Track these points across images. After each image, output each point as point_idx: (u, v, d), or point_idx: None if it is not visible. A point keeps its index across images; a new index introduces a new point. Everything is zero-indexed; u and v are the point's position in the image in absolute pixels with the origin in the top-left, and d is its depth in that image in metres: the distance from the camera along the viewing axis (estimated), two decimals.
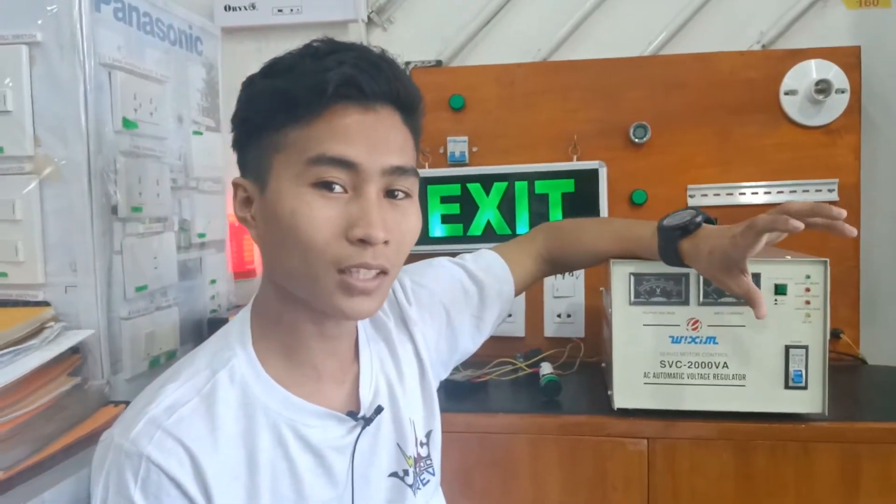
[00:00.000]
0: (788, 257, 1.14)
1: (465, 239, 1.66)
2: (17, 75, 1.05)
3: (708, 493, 1.17)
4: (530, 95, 1.67)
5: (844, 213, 0.82)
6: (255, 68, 0.75)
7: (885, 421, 1.15)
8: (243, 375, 0.73)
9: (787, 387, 1.14)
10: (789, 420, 1.15)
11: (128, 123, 1.14)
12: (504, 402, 1.33)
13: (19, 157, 1.06)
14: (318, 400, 0.76)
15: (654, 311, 1.17)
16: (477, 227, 1.66)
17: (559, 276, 1.63)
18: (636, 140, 1.62)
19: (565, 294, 1.64)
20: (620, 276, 1.17)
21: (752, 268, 1.11)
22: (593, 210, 1.60)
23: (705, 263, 0.92)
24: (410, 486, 0.83)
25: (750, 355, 1.15)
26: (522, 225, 1.63)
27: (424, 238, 1.65)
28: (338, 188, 0.68)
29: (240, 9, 1.77)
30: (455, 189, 1.66)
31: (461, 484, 1.22)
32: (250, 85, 0.74)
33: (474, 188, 1.65)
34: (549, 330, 1.66)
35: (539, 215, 1.63)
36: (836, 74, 1.55)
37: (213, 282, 1.45)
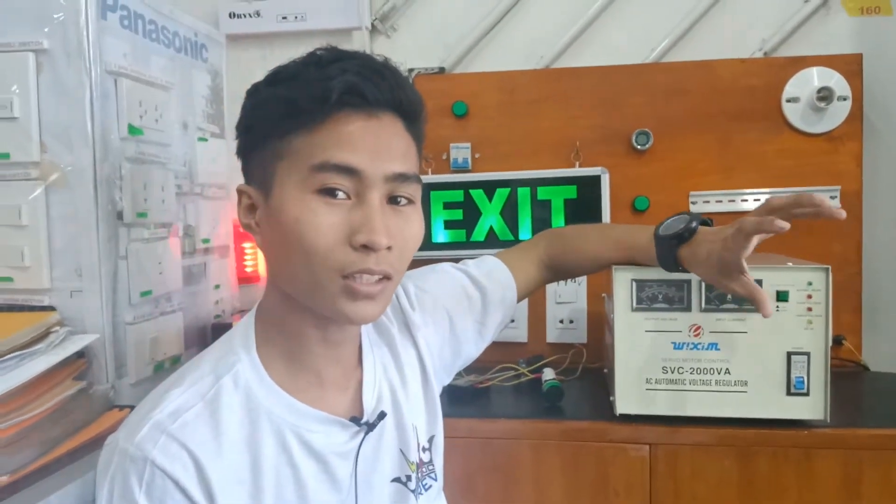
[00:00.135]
0: (790, 264, 1.14)
1: (468, 245, 1.67)
2: (24, 82, 1.06)
3: (710, 500, 1.17)
4: (533, 102, 1.68)
5: (827, 199, 0.82)
6: (259, 75, 0.76)
7: (887, 427, 1.15)
8: (247, 381, 0.74)
9: (788, 393, 1.14)
10: (791, 426, 1.15)
11: (133, 130, 1.15)
12: (506, 407, 1.34)
13: (25, 163, 1.07)
14: (322, 405, 0.77)
15: (656, 318, 1.17)
16: (480, 233, 1.66)
17: (561, 282, 1.64)
18: (638, 147, 1.62)
19: (568, 300, 1.65)
20: (622, 282, 1.18)
21: (753, 274, 1.11)
22: (595, 216, 1.60)
23: (704, 268, 0.93)
24: (413, 491, 0.84)
25: (752, 362, 1.15)
26: (525, 231, 1.64)
27: (427, 244, 1.66)
28: (341, 195, 0.69)
29: (244, 16, 1.78)
30: (458, 195, 1.67)
31: (464, 489, 1.22)
32: (255, 93, 0.75)
33: (477, 194, 1.66)
34: (552, 336, 1.66)
35: (541, 221, 1.63)
36: (837, 82, 1.55)
37: (216, 287, 1.45)
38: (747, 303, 1.13)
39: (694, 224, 0.96)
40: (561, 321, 1.65)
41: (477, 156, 1.70)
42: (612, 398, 1.22)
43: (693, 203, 1.61)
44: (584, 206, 1.61)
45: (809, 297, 1.13)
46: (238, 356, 0.75)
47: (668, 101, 1.63)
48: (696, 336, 1.16)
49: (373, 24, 1.80)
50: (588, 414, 1.26)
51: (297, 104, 0.69)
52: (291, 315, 0.75)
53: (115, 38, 1.13)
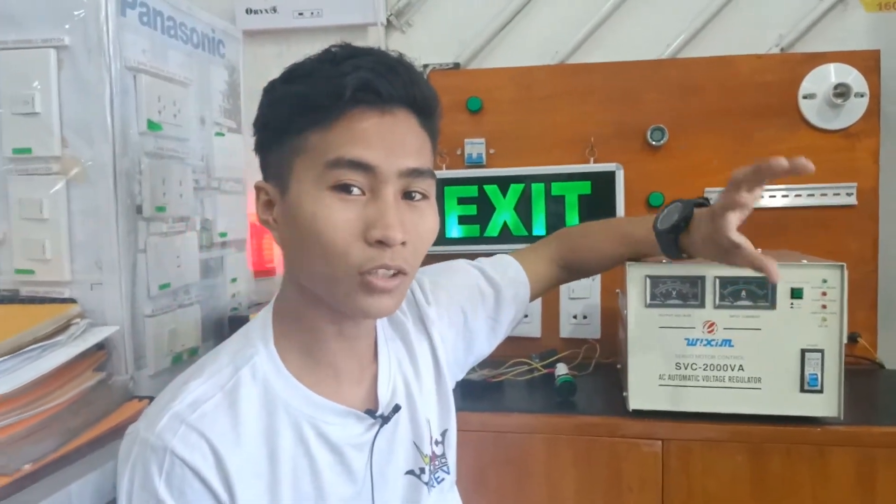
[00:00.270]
0: (805, 261, 1.14)
1: (482, 240, 1.67)
2: (46, 78, 1.08)
3: (722, 495, 1.17)
4: (547, 98, 1.68)
5: (784, 160, 0.80)
6: (275, 71, 0.77)
7: None
8: (265, 373, 0.75)
9: (802, 390, 1.14)
10: (805, 423, 1.15)
11: (152, 125, 1.16)
12: (519, 401, 1.34)
13: (47, 157, 1.09)
14: (337, 398, 0.78)
15: (669, 314, 1.18)
16: (493, 229, 1.67)
17: None
18: (653, 143, 1.62)
19: (581, 295, 1.65)
20: (636, 278, 1.18)
21: None
22: (610, 212, 1.60)
23: (704, 250, 0.94)
24: (426, 483, 0.85)
25: (765, 359, 1.15)
26: (539, 227, 1.64)
27: (441, 239, 1.67)
28: (356, 190, 0.70)
29: (261, 12, 1.79)
30: (472, 190, 1.67)
31: (476, 482, 1.23)
32: (271, 90, 0.76)
33: (491, 190, 1.66)
34: (565, 331, 1.67)
35: (555, 217, 1.63)
36: (855, 78, 1.54)
37: (233, 280, 1.47)
38: (762, 300, 1.14)
39: (688, 211, 0.96)
40: (574, 316, 1.66)
41: (491, 151, 1.70)
42: (625, 394, 1.22)
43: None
44: (598, 202, 1.61)
45: (824, 294, 1.13)
46: (256, 348, 0.76)
47: (684, 97, 1.62)
48: (709, 332, 1.16)
49: (388, 20, 1.81)
50: (601, 409, 1.26)
51: (311, 101, 0.70)
52: (308, 309, 0.76)
53: (135, 35, 1.14)
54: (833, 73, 1.55)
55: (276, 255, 1.74)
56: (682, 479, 1.18)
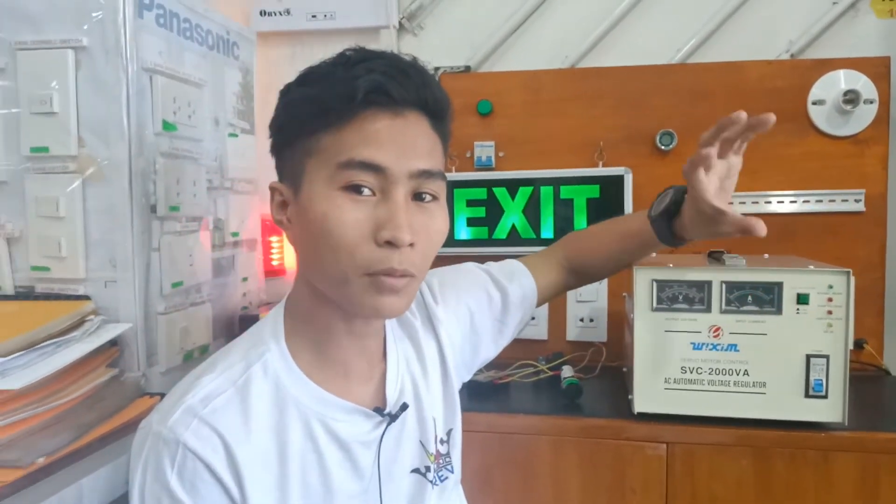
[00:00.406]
0: (812, 267, 1.15)
1: (490, 242, 1.68)
2: (64, 78, 1.10)
3: (726, 499, 1.17)
4: (557, 102, 1.69)
5: (744, 114, 0.82)
6: (288, 72, 0.78)
7: None
8: (276, 369, 0.76)
9: (807, 395, 1.14)
10: (809, 428, 1.15)
11: (167, 126, 1.18)
12: (525, 403, 1.35)
13: (64, 156, 1.11)
14: (347, 396, 0.79)
15: (676, 318, 1.18)
16: (502, 231, 1.68)
17: None
18: (662, 147, 1.63)
19: (588, 299, 1.66)
20: (643, 282, 1.19)
21: (773, 276, 1.12)
22: (618, 216, 1.60)
23: (695, 228, 0.94)
24: (431, 482, 0.86)
25: (771, 364, 1.15)
26: (547, 230, 1.65)
27: (450, 241, 1.68)
28: (367, 191, 0.71)
29: (275, 14, 1.81)
30: (481, 193, 1.68)
31: (482, 482, 1.24)
32: (287, 93, 0.77)
33: (500, 192, 1.67)
34: (572, 334, 1.68)
35: (564, 220, 1.64)
36: (864, 84, 1.54)
37: (244, 279, 1.49)
38: (768, 305, 1.15)
39: (678, 195, 0.97)
40: (581, 319, 1.67)
41: (501, 154, 1.71)
42: (630, 396, 1.23)
43: None
44: (607, 205, 1.62)
45: (830, 300, 1.13)
46: (267, 346, 0.78)
47: (693, 102, 1.63)
48: (715, 337, 1.17)
49: (400, 23, 1.82)
50: (606, 412, 1.27)
51: (324, 103, 0.72)
52: (319, 308, 0.78)
53: (152, 36, 1.16)
54: (843, 80, 1.56)
55: (287, 256, 1.76)
56: (686, 482, 1.18)
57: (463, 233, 1.70)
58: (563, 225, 1.64)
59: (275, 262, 1.72)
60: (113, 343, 1.10)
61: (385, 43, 1.80)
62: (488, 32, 1.78)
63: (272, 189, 0.79)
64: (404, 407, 0.83)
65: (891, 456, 1.13)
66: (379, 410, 0.80)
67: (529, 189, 1.66)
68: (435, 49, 1.81)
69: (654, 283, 1.18)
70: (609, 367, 1.53)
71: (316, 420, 0.76)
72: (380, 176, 0.71)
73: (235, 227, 1.43)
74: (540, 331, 1.68)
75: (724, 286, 1.16)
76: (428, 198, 0.75)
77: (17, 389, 0.89)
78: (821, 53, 1.64)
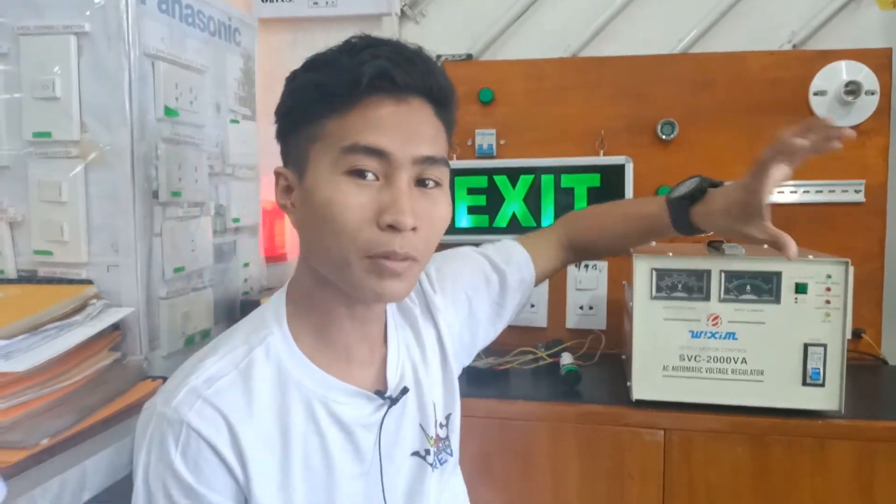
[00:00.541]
0: (811, 257, 1.15)
1: (491, 230, 1.68)
2: (66, 64, 1.10)
3: (723, 485, 1.18)
4: (559, 90, 1.69)
5: (834, 119, 0.82)
6: (289, 59, 0.79)
7: None
8: (278, 352, 0.77)
9: (804, 384, 1.15)
10: (806, 416, 1.16)
11: (169, 111, 1.18)
12: (524, 389, 1.36)
13: (66, 141, 1.11)
14: (348, 379, 0.80)
15: (674, 306, 1.19)
16: (502, 219, 1.68)
17: (582, 268, 1.65)
18: (663, 137, 1.63)
19: (588, 287, 1.66)
20: (642, 270, 1.19)
21: (773, 265, 1.13)
22: None
23: (723, 221, 0.94)
24: (431, 464, 0.87)
25: (768, 352, 1.16)
26: (547, 218, 1.65)
27: (450, 229, 1.66)
28: (370, 176, 0.72)
29: (277, 0, 1.81)
30: (482, 181, 1.68)
31: (481, 467, 1.25)
32: (293, 79, 0.78)
33: (501, 181, 1.68)
34: (571, 321, 1.68)
35: (564, 209, 1.64)
36: (866, 76, 1.54)
37: (245, 265, 1.49)
38: (766, 294, 1.15)
39: (705, 184, 0.97)
40: (581, 307, 1.67)
41: (502, 142, 1.72)
42: (628, 383, 1.23)
43: None
44: (607, 194, 1.62)
45: (828, 289, 1.14)
46: (270, 329, 0.78)
47: (695, 92, 1.63)
48: (713, 325, 1.18)
49: (402, 10, 1.82)
50: (605, 398, 1.27)
51: (329, 89, 0.72)
52: (321, 292, 0.78)
53: (154, 22, 1.16)
54: (844, 71, 1.56)
55: (288, 241, 1.76)
56: (683, 468, 1.19)
57: (463, 221, 1.70)
58: (564, 214, 1.63)
59: (276, 249, 1.72)
60: (115, 327, 1.11)
61: (387, 30, 1.80)
62: (490, 21, 1.78)
63: (277, 174, 0.79)
64: (405, 391, 0.84)
65: (887, 444, 1.14)
66: (380, 394, 0.81)
67: (530, 177, 1.66)
68: (437, 37, 1.81)
69: (654, 272, 1.19)
70: (608, 354, 1.53)
71: (318, 402, 0.77)
72: (383, 161, 0.72)
73: (236, 212, 1.44)
74: (539, 318, 1.69)
75: (723, 275, 1.17)
76: (431, 184, 0.75)
77: (21, 372, 0.90)
78: (823, 44, 1.64)
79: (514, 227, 1.67)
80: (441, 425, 0.90)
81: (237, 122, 1.44)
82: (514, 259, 1.04)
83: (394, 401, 0.82)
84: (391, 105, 0.72)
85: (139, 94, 1.12)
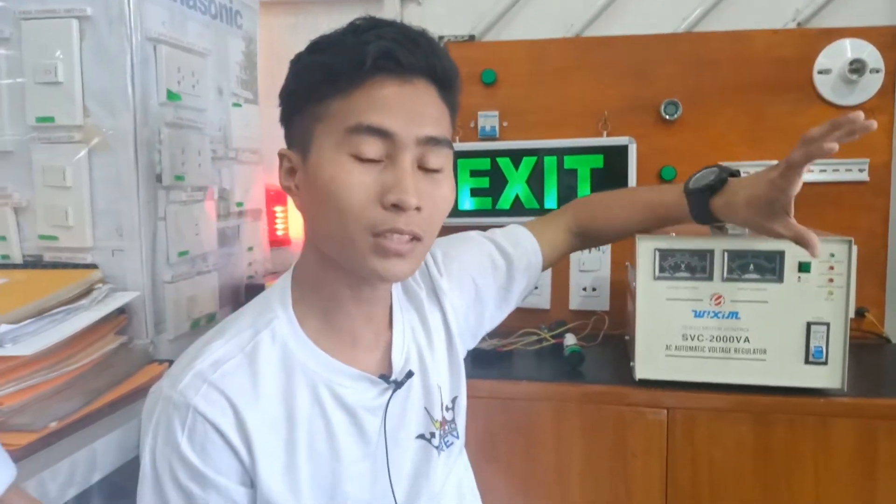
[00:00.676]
0: None
1: (494, 213, 1.68)
2: (68, 48, 1.10)
3: (726, 463, 1.19)
4: (561, 71, 1.68)
5: (861, 114, 0.81)
6: (291, 41, 0.79)
7: None
8: (284, 336, 0.78)
9: (807, 362, 1.16)
10: (808, 395, 1.16)
11: (172, 95, 1.18)
12: (528, 370, 1.36)
13: (69, 126, 1.11)
14: (353, 362, 0.80)
15: (677, 286, 1.19)
16: (505, 201, 1.68)
17: (585, 250, 1.65)
18: (667, 117, 1.63)
19: (591, 268, 1.67)
20: (646, 251, 1.20)
21: (775, 245, 1.13)
22: (622, 186, 1.60)
23: (745, 213, 0.94)
24: (436, 447, 0.87)
25: (771, 331, 1.16)
26: (551, 200, 1.65)
27: (453, 211, 1.65)
28: (374, 156, 0.72)
29: None
30: (485, 163, 1.68)
31: (486, 448, 1.26)
32: (297, 61, 0.78)
33: (504, 162, 1.67)
34: (575, 303, 1.69)
35: (567, 190, 1.64)
36: (870, 54, 1.53)
37: (250, 249, 1.50)
38: (769, 273, 1.15)
39: (724, 175, 0.97)
40: (584, 289, 1.68)
41: (505, 124, 1.71)
42: (632, 363, 1.24)
43: None
44: (610, 175, 1.62)
45: (831, 268, 1.14)
46: (275, 313, 0.79)
47: (699, 71, 1.62)
48: (717, 305, 1.18)
49: None
50: (608, 378, 1.28)
51: (334, 69, 0.72)
52: (326, 274, 0.79)
53: (155, 5, 1.16)
54: (849, 49, 1.55)
55: (292, 226, 1.77)
56: (686, 447, 1.20)
57: (466, 203, 1.70)
58: (567, 195, 1.64)
59: (279, 233, 1.72)
60: (121, 311, 1.11)
61: (389, 12, 1.79)
62: (493, 1, 1.77)
63: (281, 156, 0.80)
64: (409, 374, 0.84)
65: (889, 421, 1.14)
66: (385, 377, 0.82)
67: (533, 159, 1.66)
68: (439, 18, 1.80)
69: (657, 252, 1.19)
70: (611, 335, 1.54)
71: (323, 385, 0.78)
72: (387, 141, 0.72)
73: (240, 196, 1.44)
74: (543, 300, 1.69)
75: (726, 255, 1.17)
76: (435, 165, 0.76)
77: (28, 356, 0.90)
78: (827, 23, 1.63)
79: (517, 209, 1.67)
80: (447, 408, 0.91)
81: (239, 105, 1.43)
82: (522, 244, 1.04)
83: (398, 385, 0.82)
84: (395, 86, 0.72)
85: (141, 78, 1.12)
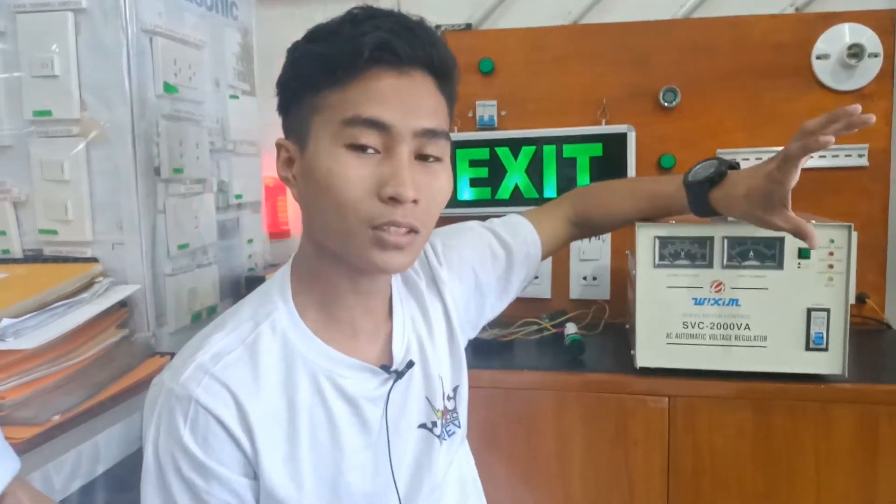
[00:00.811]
0: (813, 222, 1.15)
1: (493, 202, 1.68)
2: (64, 41, 1.09)
3: (727, 451, 1.20)
4: (559, 59, 1.68)
5: (859, 107, 0.82)
6: (288, 33, 0.78)
7: None
8: (284, 327, 0.78)
9: (807, 348, 1.16)
10: (809, 381, 1.17)
11: (169, 88, 1.18)
12: (529, 359, 1.36)
13: (67, 120, 1.11)
14: (353, 354, 0.80)
15: (678, 274, 1.19)
16: (505, 191, 1.68)
17: (585, 239, 1.65)
18: (665, 104, 1.62)
19: (591, 257, 1.67)
20: (645, 239, 1.19)
21: (775, 232, 1.13)
22: (621, 174, 1.60)
23: (744, 206, 0.95)
24: (438, 436, 0.87)
25: (772, 317, 1.16)
26: (550, 189, 1.65)
27: (452, 201, 1.68)
28: (371, 149, 0.72)
29: None
30: (483, 153, 1.68)
31: (487, 437, 1.27)
32: (293, 51, 0.77)
33: (503, 152, 1.67)
34: (575, 292, 1.69)
35: (567, 179, 1.64)
36: (869, 38, 1.53)
37: (249, 241, 1.50)
38: (769, 260, 1.15)
39: (723, 167, 0.98)
40: (584, 278, 1.68)
41: (503, 113, 1.71)
42: (632, 352, 1.24)
43: None
44: (609, 164, 1.62)
45: (831, 254, 1.14)
46: (276, 304, 0.79)
47: (697, 58, 1.61)
48: (717, 292, 1.18)
49: None
50: (609, 367, 1.28)
51: (331, 60, 0.72)
52: (325, 266, 0.79)
53: None
54: (847, 34, 1.54)
55: (291, 218, 1.77)
56: (687, 435, 1.21)
57: (466, 193, 1.70)
58: (567, 184, 1.64)
59: (279, 225, 1.72)
60: (122, 304, 1.11)
61: (385, 1, 1.78)
62: None
63: (278, 146, 0.79)
64: (410, 364, 0.84)
65: (890, 407, 1.14)
66: (385, 368, 0.82)
67: (532, 148, 1.65)
68: (435, 6, 1.79)
69: (657, 240, 1.19)
70: (612, 324, 1.54)
71: (324, 376, 0.78)
72: (384, 133, 0.71)
73: (239, 189, 1.44)
74: (543, 289, 1.69)
75: (725, 242, 1.17)
76: (432, 158, 0.75)
77: (30, 349, 0.90)
78: (825, 7, 1.62)
79: (516, 199, 1.66)
80: (448, 398, 0.91)
81: (237, 97, 1.43)
82: (521, 234, 1.04)
83: (399, 374, 0.82)
84: (392, 77, 0.72)
85: (138, 70, 1.12)
